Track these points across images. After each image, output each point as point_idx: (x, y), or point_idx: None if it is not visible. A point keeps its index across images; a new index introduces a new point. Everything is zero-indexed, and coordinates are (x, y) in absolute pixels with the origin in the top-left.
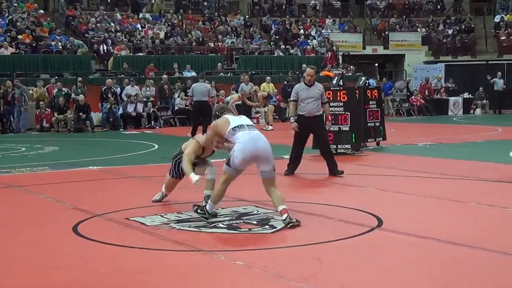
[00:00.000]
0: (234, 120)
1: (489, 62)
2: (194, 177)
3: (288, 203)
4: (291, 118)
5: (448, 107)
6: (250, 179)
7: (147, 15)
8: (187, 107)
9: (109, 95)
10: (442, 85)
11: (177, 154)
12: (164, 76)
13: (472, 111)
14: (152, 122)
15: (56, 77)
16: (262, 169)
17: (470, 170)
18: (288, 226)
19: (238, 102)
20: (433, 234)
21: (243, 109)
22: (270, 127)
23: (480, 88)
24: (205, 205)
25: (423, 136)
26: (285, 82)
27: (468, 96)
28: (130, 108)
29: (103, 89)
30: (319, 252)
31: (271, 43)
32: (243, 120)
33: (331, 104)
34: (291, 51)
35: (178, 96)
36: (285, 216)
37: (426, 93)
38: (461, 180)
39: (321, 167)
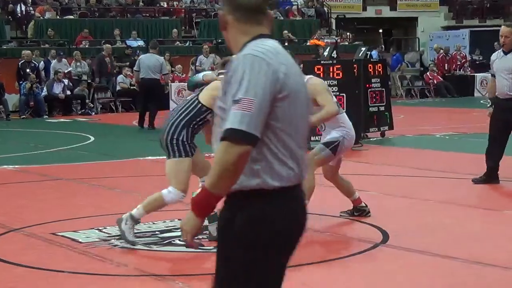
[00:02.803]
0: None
1: None
2: None
3: None
4: (489, 99)
5: (474, 86)
6: None
7: None
8: (132, 87)
9: (28, 71)
10: (465, 58)
11: (175, 120)
12: (107, 45)
13: None
14: (87, 107)
15: None
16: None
17: (503, 169)
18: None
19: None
20: (455, 252)
21: None
22: None
23: None
24: None
25: (441, 124)
26: None
27: None
28: (57, 89)
29: (20, 63)
30: (306, 276)
31: None
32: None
33: None
34: None
35: (122, 73)
36: (363, 204)
37: (446, 68)
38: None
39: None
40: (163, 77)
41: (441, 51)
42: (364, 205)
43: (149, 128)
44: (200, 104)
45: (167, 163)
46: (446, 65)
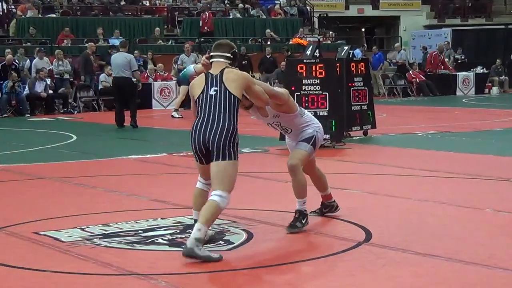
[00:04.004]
0: None
1: (509, 26)
2: None
3: (249, 211)
4: None
5: (456, 85)
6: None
7: None
8: None
9: (11, 71)
10: (448, 57)
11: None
12: (91, 44)
13: (487, 90)
14: (69, 106)
15: None
16: None
17: (484, 167)
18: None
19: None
20: (437, 250)
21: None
22: None
23: (498, 60)
24: (300, 210)
25: (424, 123)
26: (240, 53)
27: (482, 71)
28: (39, 87)
29: (1, 64)
30: (290, 275)
31: (226, 2)
32: None
33: (304, 81)
34: (252, 12)
35: (104, 72)
36: (333, 199)
37: (441, 67)
38: (473, 180)
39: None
40: (133, 74)
41: (436, 48)
42: (333, 200)
43: (133, 127)
44: (233, 96)
45: (220, 165)
46: (439, 64)
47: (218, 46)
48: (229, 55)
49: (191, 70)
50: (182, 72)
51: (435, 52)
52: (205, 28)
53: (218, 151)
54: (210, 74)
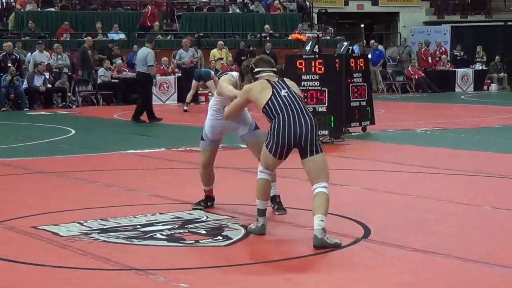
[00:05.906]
0: None
1: (508, 23)
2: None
3: (248, 207)
4: None
5: (455, 81)
6: (195, 174)
7: None
8: (113, 80)
9: (9, 63)
10: (446, 53)
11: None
12: (88, 38)
13: (486, 87)
14: (68, 100)
15: None
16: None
17: (483, 164)
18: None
19: None
20: (436, 247)
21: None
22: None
23: (497, 57)
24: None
25: (423, 119)
26: (239, 48)
27: (480, 68)
28: (38, 81)
29: (1, 55)
30: (288, 271)
31: None
32: None
33: (303, 77)
34: (251, 7)
35: (103, 66)
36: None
37: (430, 62)
38: (472, 177)
39: (291, 159)
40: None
41: (423, 44)
42: (214, 195)
43: (137, 121)
44: (301, 97)
45: (316, 159)
46: (429, 58)
47: (267, 63)
48: (275, 69)
49: (212, 74)
50: (205, 70)
51: (423, 48)
52: (146, 22)
53: (311, 146)
54: (272, 81)
